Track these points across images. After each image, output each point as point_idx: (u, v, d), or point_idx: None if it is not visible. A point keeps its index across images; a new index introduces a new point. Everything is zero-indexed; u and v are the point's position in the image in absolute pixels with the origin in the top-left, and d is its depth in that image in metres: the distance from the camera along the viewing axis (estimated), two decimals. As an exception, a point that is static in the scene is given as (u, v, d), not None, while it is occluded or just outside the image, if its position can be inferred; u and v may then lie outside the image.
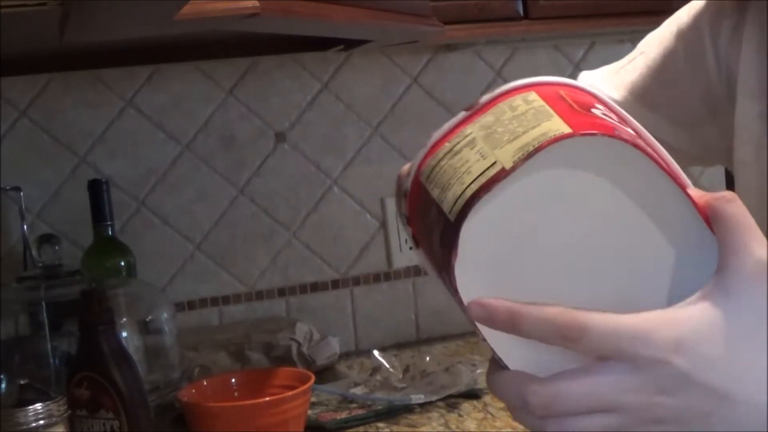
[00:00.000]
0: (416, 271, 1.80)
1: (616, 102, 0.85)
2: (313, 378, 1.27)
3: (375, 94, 1.77)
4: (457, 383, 1.42)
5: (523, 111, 0.51)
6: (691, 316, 0.48)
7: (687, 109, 0.84)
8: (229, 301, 1.70)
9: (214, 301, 1.69)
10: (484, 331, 0.51)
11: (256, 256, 1.71)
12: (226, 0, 0.91)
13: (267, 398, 1.22)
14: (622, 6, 1.54)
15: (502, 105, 0.52)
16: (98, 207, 1.46)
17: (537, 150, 0.48)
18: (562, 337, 0.48)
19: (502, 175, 0.48)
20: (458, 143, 0.52)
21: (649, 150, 0.50)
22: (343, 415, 1.35)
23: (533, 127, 0.49)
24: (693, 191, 0.50)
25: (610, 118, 0.51)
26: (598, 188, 0.49)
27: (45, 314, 1.27)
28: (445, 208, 0.50)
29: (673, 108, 0.84)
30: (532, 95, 0.52)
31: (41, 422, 0.99)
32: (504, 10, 1.51)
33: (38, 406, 1.00)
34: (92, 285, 1.25)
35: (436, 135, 0.54)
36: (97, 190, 1.46)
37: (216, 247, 1.69)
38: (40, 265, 1.31)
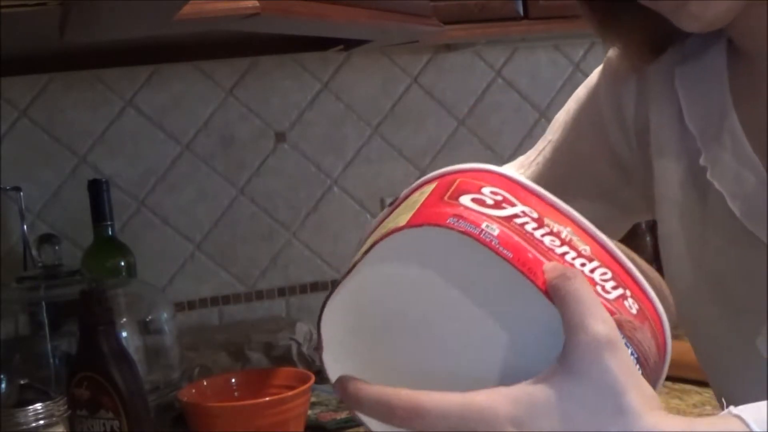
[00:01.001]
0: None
1: None
2: (313, 378, 1.27)
3: (375, 94, 1.77)
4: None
5: (406, 206, 0.54)
6: (530, 394, 0.48)
7: (601, 185, 0.85)
8: (229, 301, 1.70)
9: (214, 301, 1.69)
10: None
11: (256, 256, 1.71)
12: (226, 0, 0.91)
13: (267, 398, 1.22)
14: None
15: (408, 199, 0.55)
16: (98, 207, 1.46)
17: (371, 247, 0.51)
18: (398, 417, 0.49)
19: (348, 272, 0.53)
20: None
21: (487, 236, 0.51)
22: (343, 415, 1.35)
23: (387, 224, 0.53)
24: (547, 270, 0.51)
25: (479, 205, 0.52)
26: (436, 273, 0.52)
27: (45, 314, 1.27)
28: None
29: (588, 188, 0.86)
30: (430, 187, 0.54)
31: (41, 422, 0.99)
32: (504, 10, 1.51)
33: (38, 406, 1.00)
34: (92, 285, 1.25)
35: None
36: (97, 190, 1.46)
37: (216, 247, 1.69)
38: (40, 265, 1.31)
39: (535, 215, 0.53)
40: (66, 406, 1.03)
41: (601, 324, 0.48)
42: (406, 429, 0.50)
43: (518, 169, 0.91)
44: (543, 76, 1.87)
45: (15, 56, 1.38)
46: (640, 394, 0.48)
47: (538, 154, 0.90)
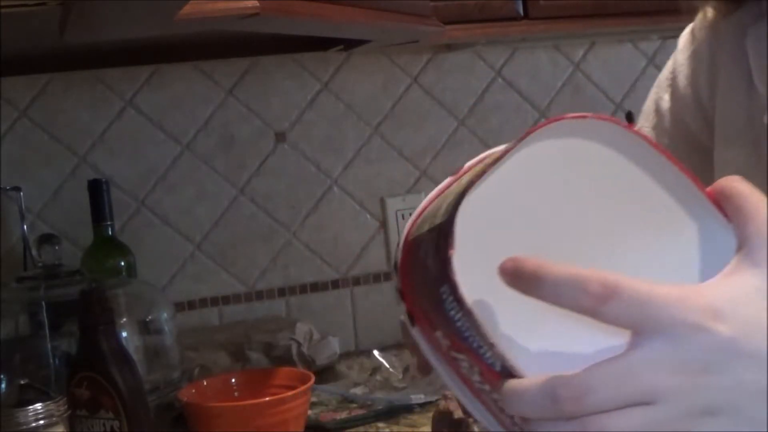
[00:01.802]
0: (416, 271, 1.79)
1: None
2: (313, 378, 1.27)
3: (375, 94, 1.77)
4: (457, 383, 1.41)
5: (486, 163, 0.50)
6: (723, 287, 0.45)
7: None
8: (229, 301, 1.70)
9: (214, 301, 1.69)
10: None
11: (256, 256, 1.71)
12: (226, 0, 0.91)
13: (267, 398, 1.22)
14: (622, 6, 1.54)
15: (482, 163, 0.51)
16: (98, 207, 1.46)
17: (529, 132, 0.47)
18: (590, 295, 0.43)
19: (495, 159, 0.47)
20: (442, 198, 0.50)
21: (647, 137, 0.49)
22: (343, 415, 1.35)
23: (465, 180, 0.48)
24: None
25: None
26: (596, 167, 0.49)
27: (45, 314, 1.27)
28: (438, 221, 0.47)
29: None
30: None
31: (41, 422, 0.99)
32: (504, 10, 1.51)
33: (38, 406, 1.00)
34: (92, 285, 1.25)
35: (423, 203, 0.52)
36: (97, 190, 1.46)
37: (216, 247, 1.69)
38: (40, 265, 1.31)
39: None
40: (66, 406, 1.03)
41: None
42: (591, 313, 0.43)
43: None
44: (543, 76, 1.87)
45: (15, 56, 1.38)
46: None
47: None
